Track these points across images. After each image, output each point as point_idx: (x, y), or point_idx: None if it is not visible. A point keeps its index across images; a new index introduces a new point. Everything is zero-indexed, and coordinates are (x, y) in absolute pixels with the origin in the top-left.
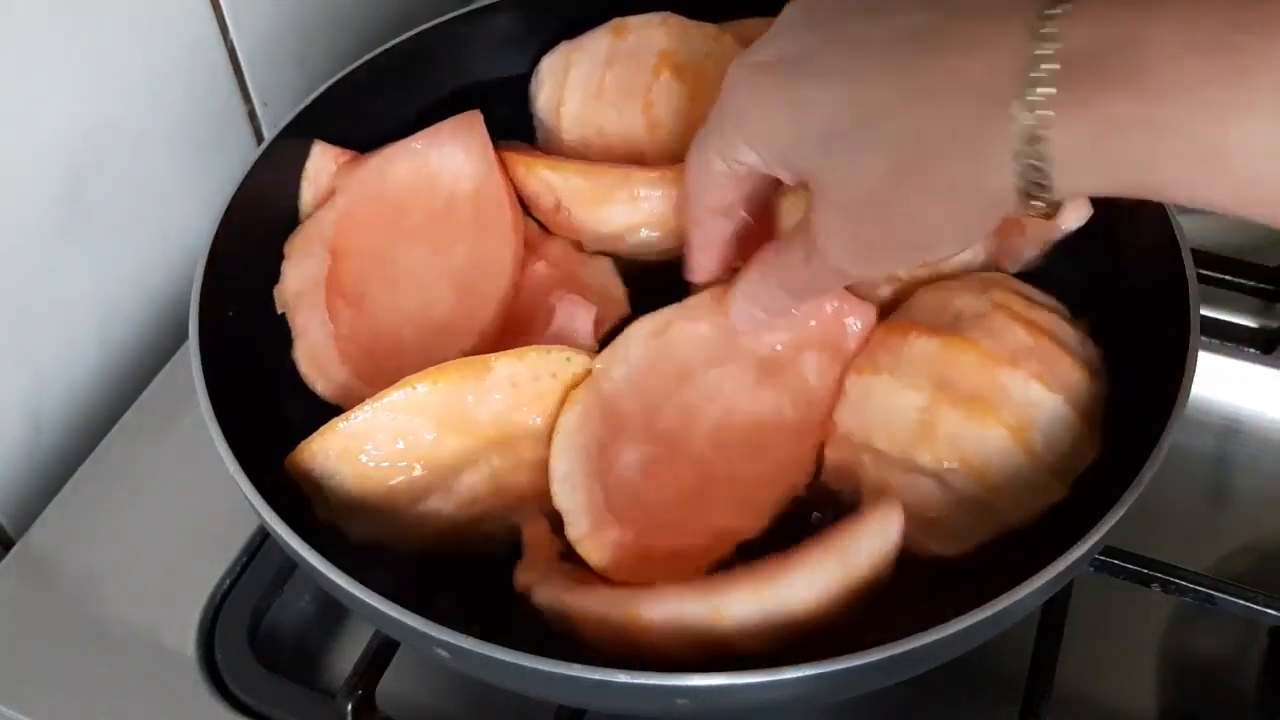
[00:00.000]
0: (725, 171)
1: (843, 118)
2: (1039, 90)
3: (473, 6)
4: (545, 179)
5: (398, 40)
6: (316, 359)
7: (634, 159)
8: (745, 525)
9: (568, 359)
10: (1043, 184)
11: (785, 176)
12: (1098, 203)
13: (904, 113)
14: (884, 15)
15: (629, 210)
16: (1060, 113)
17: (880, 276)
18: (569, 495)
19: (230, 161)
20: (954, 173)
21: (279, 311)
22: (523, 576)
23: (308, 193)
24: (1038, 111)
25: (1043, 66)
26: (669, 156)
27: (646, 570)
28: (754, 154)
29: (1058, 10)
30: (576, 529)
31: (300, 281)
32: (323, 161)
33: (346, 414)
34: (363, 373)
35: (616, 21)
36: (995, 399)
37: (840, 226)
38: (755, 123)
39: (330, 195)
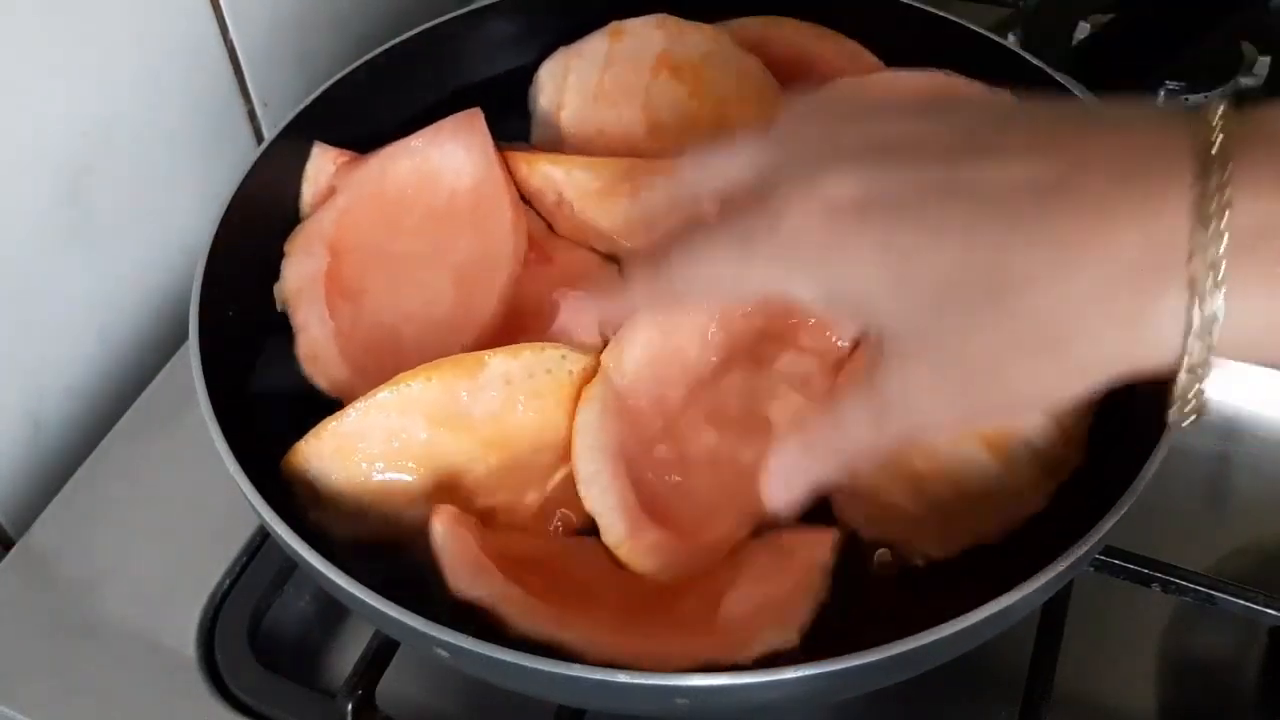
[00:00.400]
0: (750, 296)
1: (963, 283)
2: (1219, 269)
3: (473, 6)
4: (547, 174)
5: (398, 40)
6: (316, 355)
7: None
8: (759, 515)
9: (563, 356)
10: (1209, 362)
11: (848, 318)
12: None
13: (1045, 289)
14: (983, 159)
15: (630, 202)
16: (1241, 290)
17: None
18: (600, 497)
19: (230, 161)
20: (1104, 352)
21: (279, 309)
22: (462, 585)
23: (308, 193)
24: (1221, 292)
25: (1222, 243)
26: (670, 155)
27: (686, 567)
28: (818, 294)
29: (1220, 177)
30: (614, 534)
31: (300, 279)
32: (322, 162)
33: (338, 414)
34: (362, 369)
35: (614, 25)
36: None
37: (934, 388)
38: (838, 268)
39: (330, 195)
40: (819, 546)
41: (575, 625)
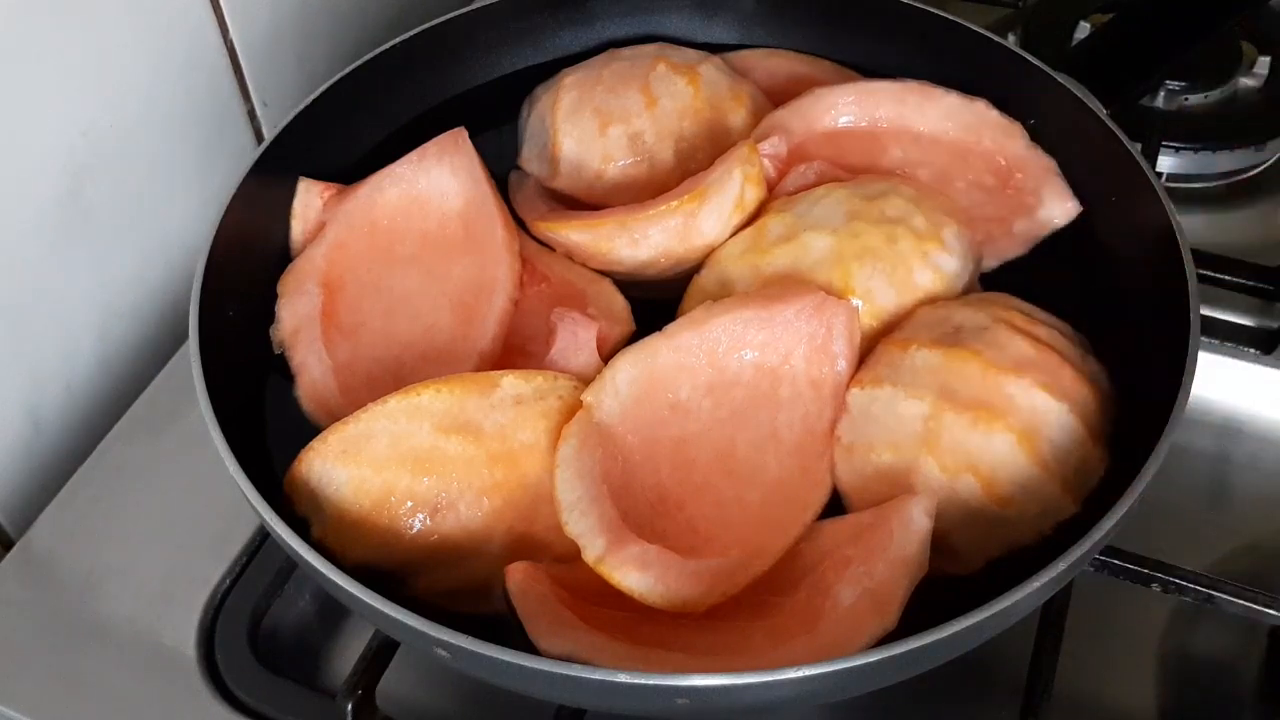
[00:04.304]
0: None
1: None
2: None
3: (473, 6)
4: (550, 239)
5: (398, 40)
6: (318, 394)
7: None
8: (770, 545)
9: (574, 387)
10: None
11: None
12: (1099, 204)
13: None
14: None
15: (633, 251)
16: None
17: None
18: (579, 520)
19: (230, 161)
20: None
21: (276, 351)
22: (547, 644)
23: (297, 230)
24: None
25: None
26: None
27: (687, 588)
28: None
29: None
30: (593, 550)
31: (295, 319)
32: (309, 197)
33: (345, 419)
34: (364, 404)
35: (610, 51)
36: (1000, 405)
37: None
38: None
39: (319, 230)
40: (908, 520)
41: (668, 660)
